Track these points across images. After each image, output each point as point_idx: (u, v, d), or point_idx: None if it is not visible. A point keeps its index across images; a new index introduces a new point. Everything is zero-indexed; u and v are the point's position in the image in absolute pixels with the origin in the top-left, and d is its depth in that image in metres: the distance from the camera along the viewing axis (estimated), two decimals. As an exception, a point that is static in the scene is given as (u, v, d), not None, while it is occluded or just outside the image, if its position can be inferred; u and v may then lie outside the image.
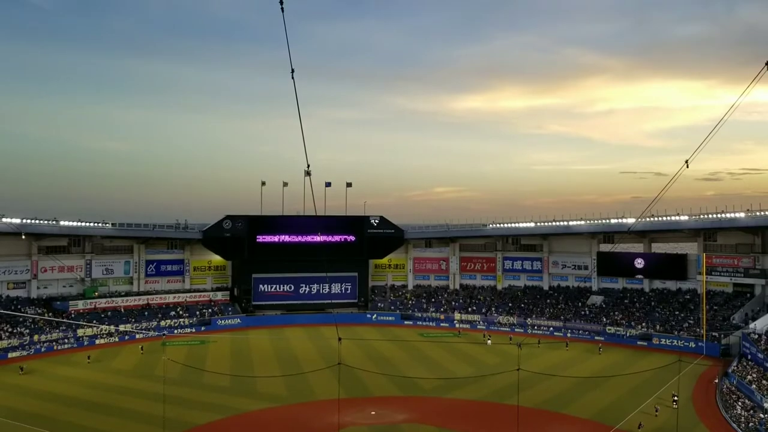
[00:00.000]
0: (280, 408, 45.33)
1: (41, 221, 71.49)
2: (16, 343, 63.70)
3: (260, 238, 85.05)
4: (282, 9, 15.78)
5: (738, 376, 49.08)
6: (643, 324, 70.39)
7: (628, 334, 69.72)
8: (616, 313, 74.72)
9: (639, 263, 77.22)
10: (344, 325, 74.51)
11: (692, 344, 63.23)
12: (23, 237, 70.92)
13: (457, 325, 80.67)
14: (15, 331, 65.37)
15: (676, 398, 44.28)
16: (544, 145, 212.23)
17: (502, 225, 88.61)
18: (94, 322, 71.93)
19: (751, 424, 39.62)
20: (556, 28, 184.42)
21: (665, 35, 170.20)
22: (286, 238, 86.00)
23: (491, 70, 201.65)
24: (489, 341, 69.78)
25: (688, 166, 22.96)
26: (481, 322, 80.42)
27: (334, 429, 38.81)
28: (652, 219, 71.43)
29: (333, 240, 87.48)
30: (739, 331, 59.86)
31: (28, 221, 69.64)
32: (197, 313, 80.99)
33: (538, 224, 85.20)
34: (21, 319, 67.00)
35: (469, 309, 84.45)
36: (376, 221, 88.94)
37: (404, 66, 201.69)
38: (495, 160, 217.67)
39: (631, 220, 72.60)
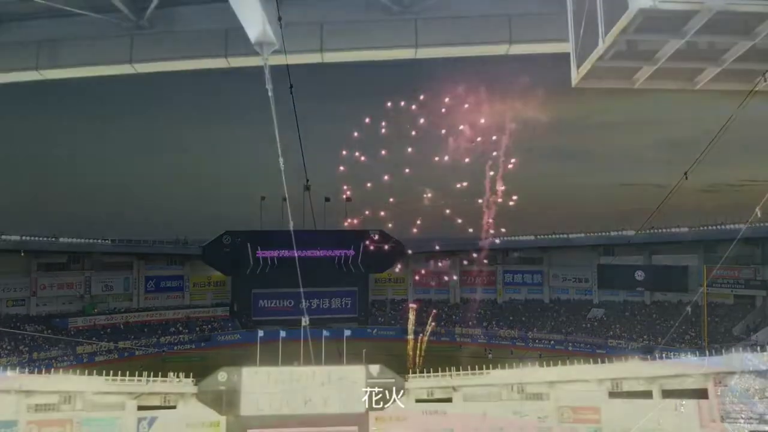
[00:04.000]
0: (280, 424, 44.84)
1: (40, 238, 71.39)
2: (15, 361, 63.24)
3: (260, 254, 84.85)
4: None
5: (740, 388, 48.69)
6: (645, 336, 70.09)
7: (629, 347, 69.38)
8: (617, 326, 74.41)
9: (639, 275, 77.06)
10: (344, 340, 73.95)
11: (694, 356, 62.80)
12: (22, 254, 70.78)
13: (457, 339, 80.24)
14: (14, 348, 65.01)
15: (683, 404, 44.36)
16: (542, 157, 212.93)
17: (502, 238, 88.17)
18: (94, 339, 71.52)
19: (755, 437, 39.28)
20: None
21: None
22: (285, 253, 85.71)
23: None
24: (490, 355, 69.45)
25: (687, 178, 22.96)
26: (481, 336, 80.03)
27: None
28: (652, 231, 71.41)
29: (333, 254, 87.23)
30: (741, 342, 59.54)
31: (27, 238, 69.55)
32: (197, 329, 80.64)
33: (538, 237, 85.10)
34: (20, 337, 66.67)
35: (470, 323, 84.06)
36: (376, 235, 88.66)
37: (402, 79, 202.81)
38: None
39: (631, 233, 72.52)
